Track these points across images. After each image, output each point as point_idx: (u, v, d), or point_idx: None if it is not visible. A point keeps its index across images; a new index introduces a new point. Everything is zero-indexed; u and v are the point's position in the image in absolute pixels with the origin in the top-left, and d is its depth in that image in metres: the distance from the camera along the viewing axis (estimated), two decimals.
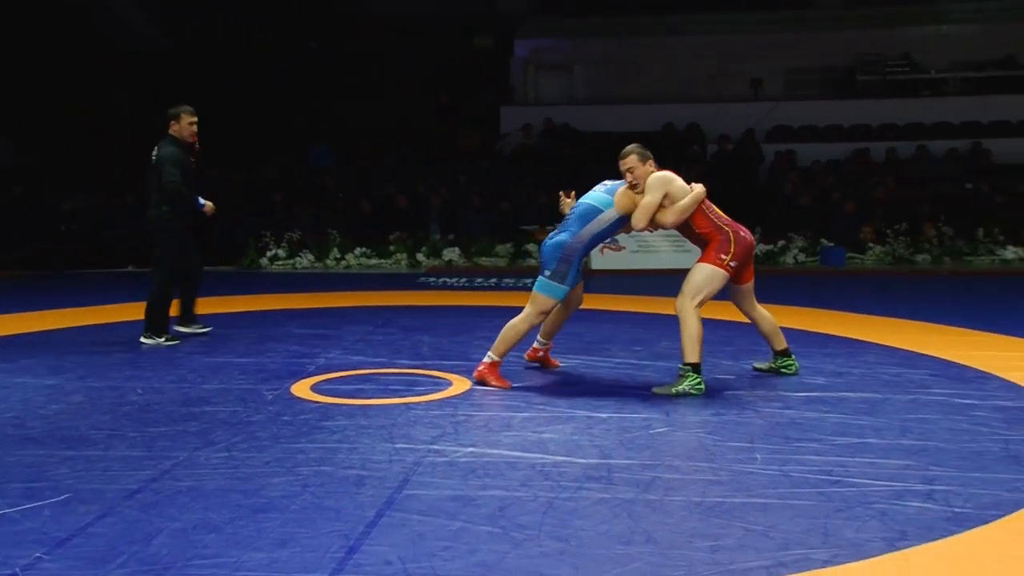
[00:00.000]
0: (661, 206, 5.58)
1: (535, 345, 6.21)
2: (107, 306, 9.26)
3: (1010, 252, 12.87)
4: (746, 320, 6.09)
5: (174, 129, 7.38)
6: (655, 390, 5.51)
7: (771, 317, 6.04)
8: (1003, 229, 13.10)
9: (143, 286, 7.61)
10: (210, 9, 18.16)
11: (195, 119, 7.42)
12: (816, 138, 17.81)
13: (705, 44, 19.89)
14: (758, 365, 6.16)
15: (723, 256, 5.55)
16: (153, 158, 7.30)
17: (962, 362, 6.28)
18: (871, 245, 13.15)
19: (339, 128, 18.43)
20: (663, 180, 5.58)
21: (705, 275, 5.55)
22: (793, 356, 6.05)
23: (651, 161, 5.65)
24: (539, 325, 5.76)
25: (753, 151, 16.44)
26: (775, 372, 6.01)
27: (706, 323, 5.65)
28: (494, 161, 17.23)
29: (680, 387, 5.44)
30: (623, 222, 5.72)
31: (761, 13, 19.80)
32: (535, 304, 5.70)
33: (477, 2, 20.22)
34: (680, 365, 5.52)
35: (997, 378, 5.80)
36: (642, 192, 5.58)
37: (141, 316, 7.33)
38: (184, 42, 18.46)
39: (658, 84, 19.77)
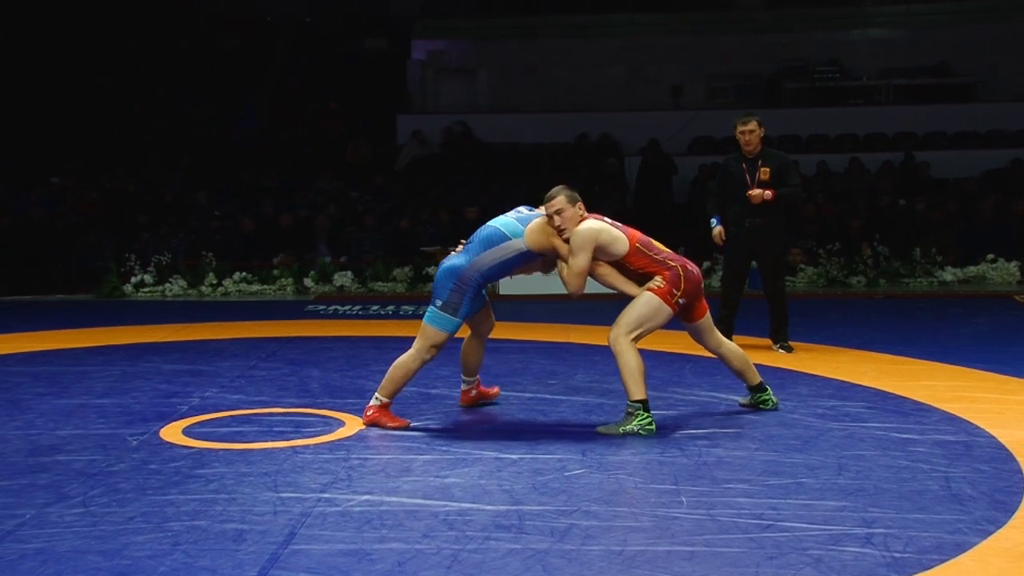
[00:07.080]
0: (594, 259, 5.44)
1: (463, 388, 6.19)
2: None
3: (949, 274, 13.24)
4: (669, 350, 6.14)
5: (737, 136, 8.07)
6: (599, 430, 5.50)
7: (740, 352, 6.01)
8: (940, 249, 13.47)
9: None
10: (53, 3, 17.80)
11: (744, 128, 7.93)
12: None
13: (619, 47, 20.18)
14: (742, 401, 6.15)
15: (674, 291, 5.45)
16: None
17: (900, 393, 6.45)
18: (802, 266, 13.40)
19: (213, 138, 18.18)
20: (590, 237, 5.39)
21: (649, 308, 5.46)
22: (770, 390, 6.07)
23: (580, 203, 5.47)
24: (431, 360, 5.71)
25: (666, 164, 16.55)
26: (754, 408, 6.02)
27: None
28: (389, 175, 17.16)
29: (628, 427, 5.43)
30: (530, 257, 5.59)
31: (679, 14, 20.16)
32: (425, 337, 5.62)
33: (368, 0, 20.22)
34: (628, 403, 5.49)
35: (937, 410, 5.97)
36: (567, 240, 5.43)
37: None
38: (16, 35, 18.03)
39: (569, 90, 19.96)
